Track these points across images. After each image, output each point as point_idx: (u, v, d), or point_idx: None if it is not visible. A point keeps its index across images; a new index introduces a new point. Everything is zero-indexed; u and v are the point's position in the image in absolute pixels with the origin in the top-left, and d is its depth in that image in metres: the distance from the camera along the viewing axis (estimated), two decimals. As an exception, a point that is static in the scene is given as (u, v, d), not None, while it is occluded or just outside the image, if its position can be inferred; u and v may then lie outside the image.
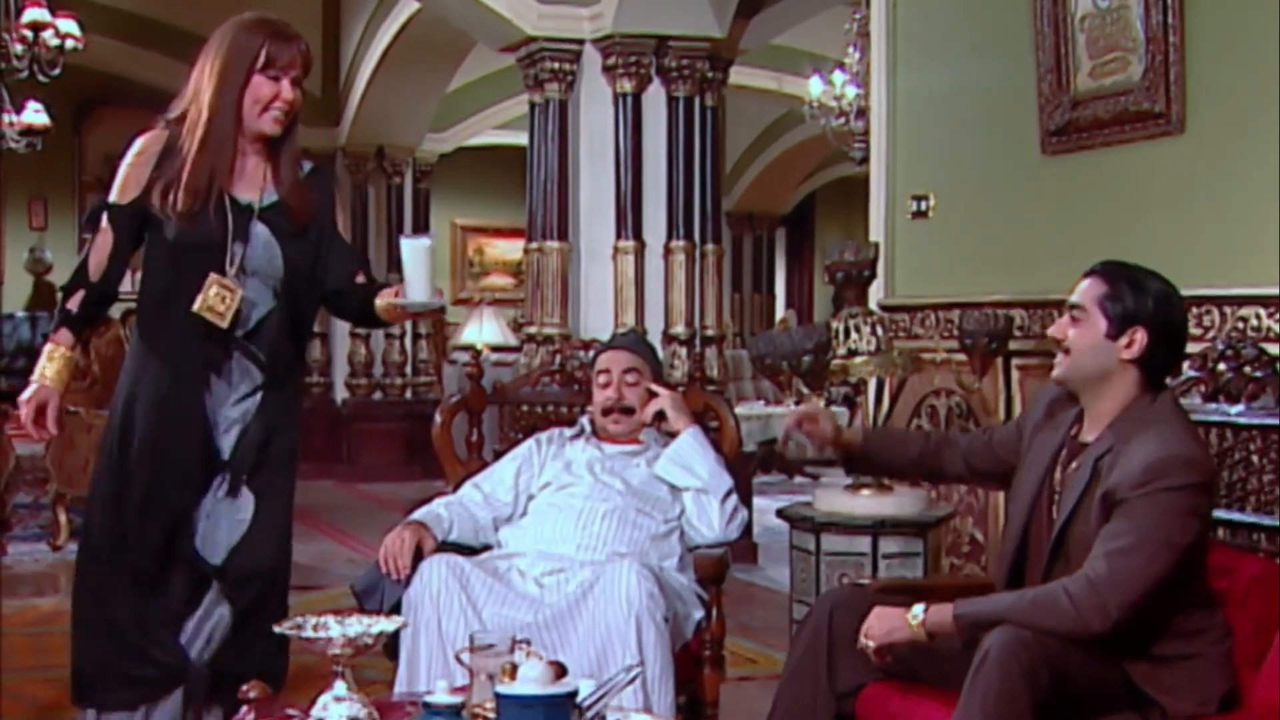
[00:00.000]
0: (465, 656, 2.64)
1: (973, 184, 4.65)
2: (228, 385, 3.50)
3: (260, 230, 3.49)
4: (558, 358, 4.50)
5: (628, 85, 7.74)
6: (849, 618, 2.97)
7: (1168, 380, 3.01)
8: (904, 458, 3.45)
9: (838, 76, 9.62)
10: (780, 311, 16.64)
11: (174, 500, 3.46)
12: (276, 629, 2.65)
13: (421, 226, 11.89)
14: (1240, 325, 3.57)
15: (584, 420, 4.07)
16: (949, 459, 3.36)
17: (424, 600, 3.45)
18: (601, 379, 4.00)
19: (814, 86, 9.87)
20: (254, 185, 3.50)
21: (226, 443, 3.49)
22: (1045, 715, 2.66)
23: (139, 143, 3.52)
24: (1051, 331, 3.01)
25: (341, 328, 11.61)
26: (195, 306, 3.41)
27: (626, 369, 3.98)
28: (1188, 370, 3.39)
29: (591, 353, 4.27)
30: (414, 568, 3.53)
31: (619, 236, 7.82)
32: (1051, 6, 4.20)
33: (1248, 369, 3.37)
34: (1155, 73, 3.85)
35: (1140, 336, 2.90)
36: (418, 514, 3.80)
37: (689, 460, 3.86)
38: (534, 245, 8.03)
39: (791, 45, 10.86)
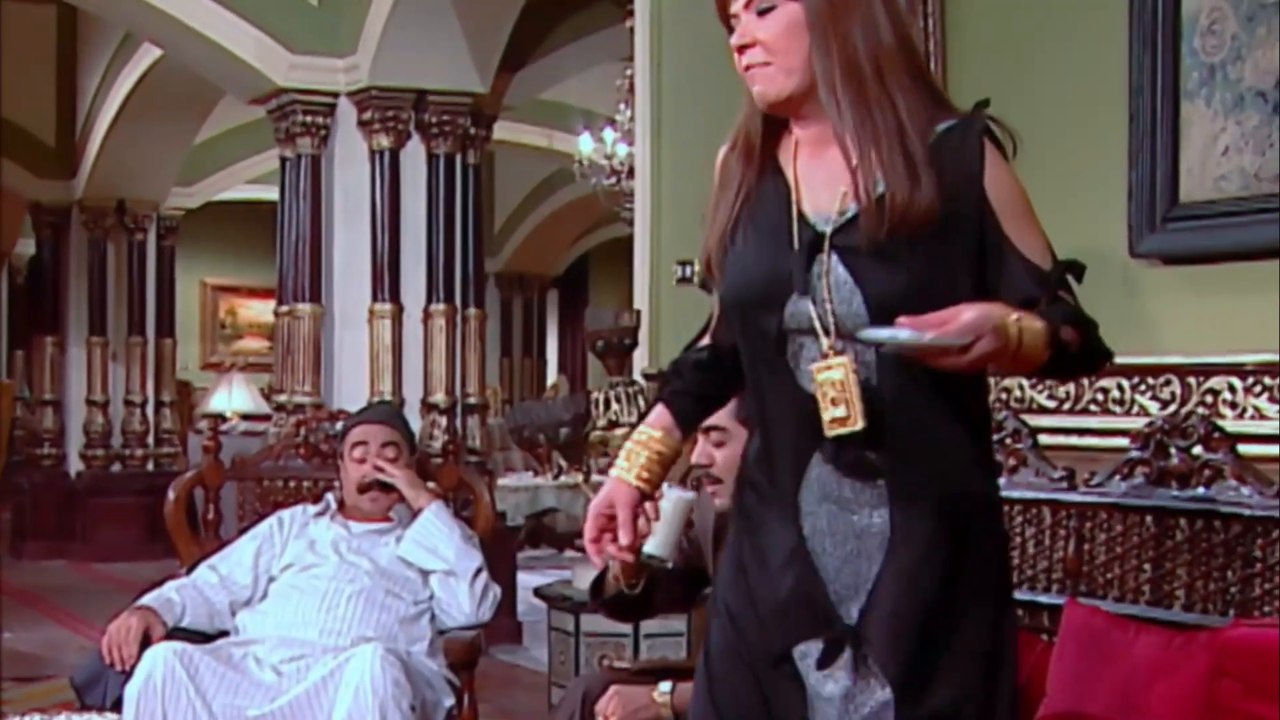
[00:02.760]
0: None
1: (736, 250, 4.58)
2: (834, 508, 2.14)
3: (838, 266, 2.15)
4: (303, 430, 4.33)
5: (385, 141, 7.50)
6: (605, 702, 2.84)
7: None
8: None
9: (608, 134, 9.52)
10: (552, 377, 16.47)
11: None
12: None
13: (166, 286, 11.36)
14: (1003, 397, 3.55)
15: (330, 497, 3.93)
16: None
17: (147, 692, 3.31)
18: (357, 453, 3.89)
19: (584, 144, 9.78)
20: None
21: (853, 603, 2.12)
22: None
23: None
24: (695, 457, 2.78)
25: (76, 392, 11.01)
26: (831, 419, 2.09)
27: (385, 443, 3.91)
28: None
29: (340, 424, 4.13)
30: (140, 656, 3.39)
31: (375, 299, 7.53)
32: (814, 71, 4.17)
33: (1009, 441, 3.36)
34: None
35: None
36: (147, 598, 3.68)
37: (433, 540, 3.75)
38: (285, 308, 7.68)
39: (562, 101, 10.77)
